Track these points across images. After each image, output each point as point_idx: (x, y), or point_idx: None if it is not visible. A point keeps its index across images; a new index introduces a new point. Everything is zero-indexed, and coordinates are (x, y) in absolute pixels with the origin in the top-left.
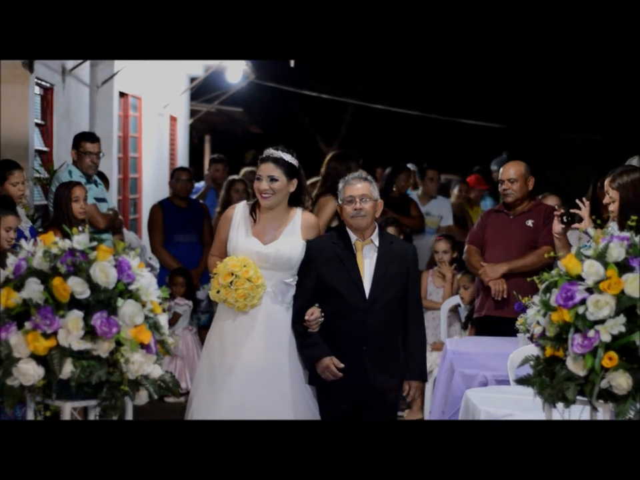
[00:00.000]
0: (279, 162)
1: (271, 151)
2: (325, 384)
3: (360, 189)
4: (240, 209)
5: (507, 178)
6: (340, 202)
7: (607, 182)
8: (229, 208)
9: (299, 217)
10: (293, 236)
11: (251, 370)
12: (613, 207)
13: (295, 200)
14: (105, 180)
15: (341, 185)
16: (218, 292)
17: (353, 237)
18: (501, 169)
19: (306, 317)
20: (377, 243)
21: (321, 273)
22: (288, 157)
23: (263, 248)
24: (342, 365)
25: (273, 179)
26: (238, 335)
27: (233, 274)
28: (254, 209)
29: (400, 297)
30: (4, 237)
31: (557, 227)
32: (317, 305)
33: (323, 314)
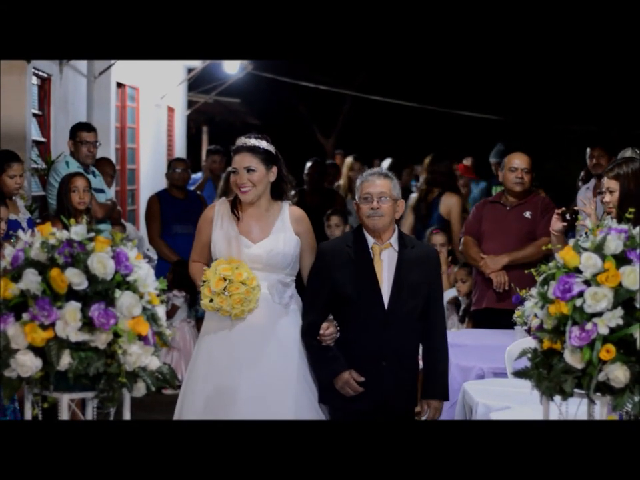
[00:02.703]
0: (254, 150)
1: (243, 140)
2: (337, 404)
3: (378, 186)
4: (220, 207)
5: (522, 167)
6: (356, 200)
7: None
8: (207, 208)
9: (286, 211)
10: (284, 232)
11: (256, 384)
12: (610, 198)
13: (277, 191)
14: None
15: (358, 182)
16: (211, 300)
17: (371, 240)
18: (512, 159)
19: (320, 332)
20: (396, 247)
21: (334, 280)
22: (264, 144)
23: (253, 247)
24: (362, 379)
25: (250, 170)
26: (238, 345)
27: (225, 279)
28: (235, 206)
29: (422, 306)
30: None
31: (557, 224)
32: (331, 317)
33: (338, 328)
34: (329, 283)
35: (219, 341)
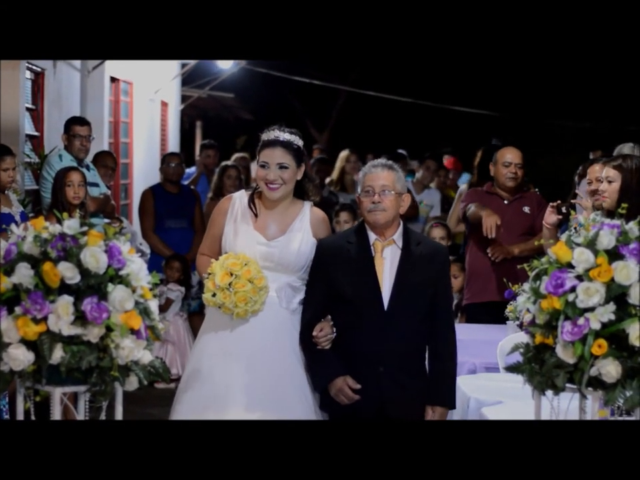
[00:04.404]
0: (289, 146)
1: (277, 133)
2: (337, 410)
3: (381, 178)
4: (237, 200)
5: (516, 162)
6: (358, 193)
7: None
8: (223, 199)
9: (307, 211)
10: (301, 232)
11: (253, 391)
12: (607, 187)
13: (300, 190)
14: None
15: (361, 174)
16: (213, 295)
17: (372, 236)
18: (504, 153)
19: (314, 333)
20: (400, 244)
21: (333, 278)
22: (298, 140)
23: (267, 244)
24: (358, 386)
25: (282, 167)
26: (236, 347)
27: (232, 274)
28: (252, 200)
29: (427, 307)
30: None
31: (552, 217)
32: (328, 317)
33: (334, 329)
34: (326, 281)
35: (217, 343)
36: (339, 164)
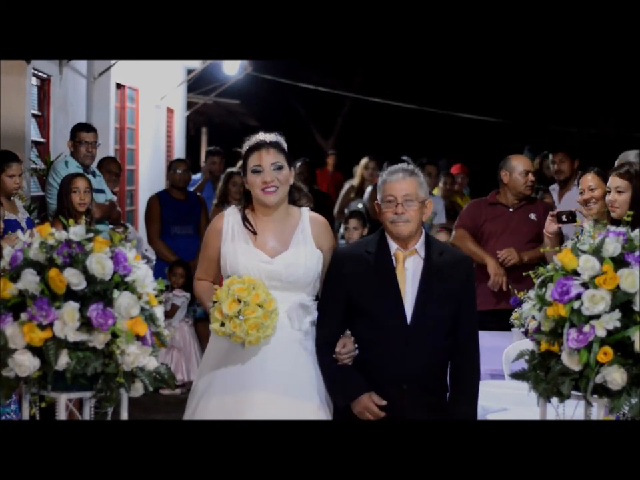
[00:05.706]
0: (277, 146)
1: (262, 136)
2: None
3: (403, 187)
4: (230, 217)
5: (531, 170)
6: (378, 201)
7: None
8: (214, 219)
9: (306, 219)
10: (305, 245)
11: (267, 414)
12: (617, 197)
13: (290, 201)
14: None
15: (380, 180)
16: (222, 324)
17: (393, 245)
18: (520, 161)
19: (337, 349)
20: (422, 254)
21: (351, 290)
22: (283, 142)
23: (270, 262)
24: (384, 402)
25: (277, 167)
26: (249, 378)
27: (240, 300)
28: (245, 217)
29: (451, 320)
30: None
31: (552, 226)
32: (348, 332)
33: (356, 345)
34: (344, 294)
35: (227, 374)
36: (359, 171)
